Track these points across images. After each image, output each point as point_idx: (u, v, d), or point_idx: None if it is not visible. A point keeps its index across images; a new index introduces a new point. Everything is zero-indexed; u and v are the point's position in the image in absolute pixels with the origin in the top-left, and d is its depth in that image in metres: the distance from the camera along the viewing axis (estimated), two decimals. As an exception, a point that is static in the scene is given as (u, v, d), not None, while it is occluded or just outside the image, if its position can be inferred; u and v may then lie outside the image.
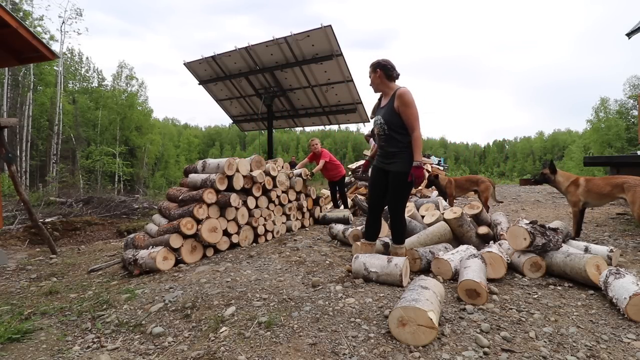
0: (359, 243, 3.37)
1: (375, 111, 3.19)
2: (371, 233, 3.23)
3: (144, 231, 4.43)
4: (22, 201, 5.09)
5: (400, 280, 2.65)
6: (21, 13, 18.77)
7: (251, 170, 4.46)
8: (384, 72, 2.96)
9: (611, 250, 2.99)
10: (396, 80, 3.02)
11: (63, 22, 21.62)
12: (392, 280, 2.68)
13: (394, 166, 2.90)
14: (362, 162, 9.32)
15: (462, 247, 3.15)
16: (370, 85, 3.09)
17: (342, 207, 6.72)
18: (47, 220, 7.27)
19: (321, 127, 10.21)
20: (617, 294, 2.18)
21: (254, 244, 4.32)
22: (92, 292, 3.07)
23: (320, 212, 5.70)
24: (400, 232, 3.06)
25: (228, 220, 4.06)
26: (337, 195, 6.76)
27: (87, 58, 31.95)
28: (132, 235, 4.22)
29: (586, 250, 3.11)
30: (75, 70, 29.73)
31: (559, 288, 2.60)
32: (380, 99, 3.14)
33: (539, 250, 2.86)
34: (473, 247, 3.18)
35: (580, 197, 3.93)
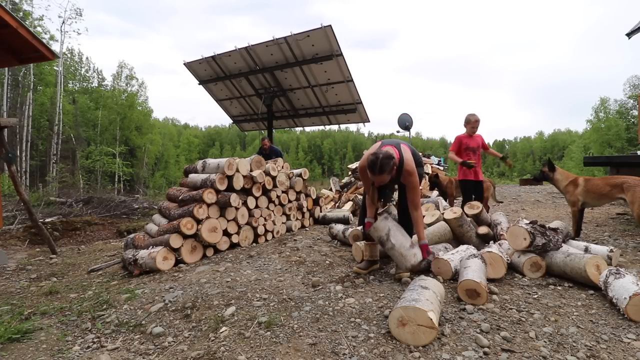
0: (359, 243, 3.37)
1: None
2: None
3: (144, 231, 4.43)
4: (22, 201, 5.10)
5: (406, 267, 2.70)
6: (21, 13, 18.76)
7: (251, 170, 4.46)
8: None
9: (611, 250, 2.99)
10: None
11: (63, 22, 21.62)
12: (399, 261, 2.72)
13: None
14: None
15: (462, 247, 3.14)
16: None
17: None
18: (47, 220, 7.27)
19: (321, 127, 10.22)
20: (617, 294, 2.18)
21: (254, 244, 4.32)
22: (92, 292, 3.07)
23: (320, 212, 5.70)
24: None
25: (228, 220, 4.06)
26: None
27: (87, 58, 31.95)
28: (132, 235, 4.22)
29: (586, 250, 3.10)
30: (75, 70, 29.73)
31: (559, 288, 2.60)
32: None
33: (539, 250, 2.86)
34: (473, 247, 3.18)
35: (579, 197, 3.92)
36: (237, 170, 4.26)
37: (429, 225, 3.76)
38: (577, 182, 3.97)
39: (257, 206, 4.46)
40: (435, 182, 5.72)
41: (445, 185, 5.56)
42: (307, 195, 5.45)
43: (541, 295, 2.47)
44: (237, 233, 4.16)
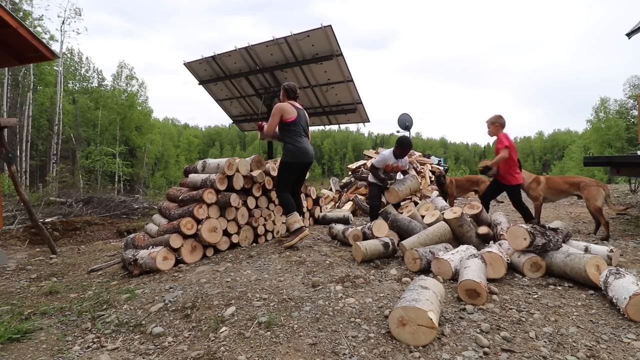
0: (358, 243, 3.37)
1: None
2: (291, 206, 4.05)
3: (144, 231, 4.43)
4: (22, 201, 5.10)
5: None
6: (21, 13, 18.78)
7: (251, 170, 4.45)
8: (285, 92, 4.08)
9: (611, 250, 3.00)
10: (295, 99, 4.08)
11: (63, 22, 21.62)
12: None
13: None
14: (362, 162, 9.31)
15: (462, 247, 3.15)
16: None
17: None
18: (47, 220, 7.26)
19: (321, 127, 10.21)
20: (617, 294, 2.18)
21: (254, 244, 4.32)
22: (92, 292, 3.07)
23: (320, 212, 5.69)
24: (283, 205, 4.08)
25: (228, 220, 4.06)
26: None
27: (87, 58, 31.93)
28: (132, 235, 4.22)
29: (586, 250, 3.11)
30: (75, 70, 29.74)
31: (559, 288, 2.60)
32: None
33: (539, 250, 2.86)
34: (473, 247, 3.18)
35: (541, 192, 4.44)
36: (237, 170, 4.25)
37: (429, 225, 3.76)
38: (539, 180, 4.48)
39: (257, 206, 4.45)
40: (439, 182, 5.71)
41: (446, 185, 5.55)
42: (307, 195, 5.45)
43: (541, 295, 2.47)
44: (237, 233, 4.15)
